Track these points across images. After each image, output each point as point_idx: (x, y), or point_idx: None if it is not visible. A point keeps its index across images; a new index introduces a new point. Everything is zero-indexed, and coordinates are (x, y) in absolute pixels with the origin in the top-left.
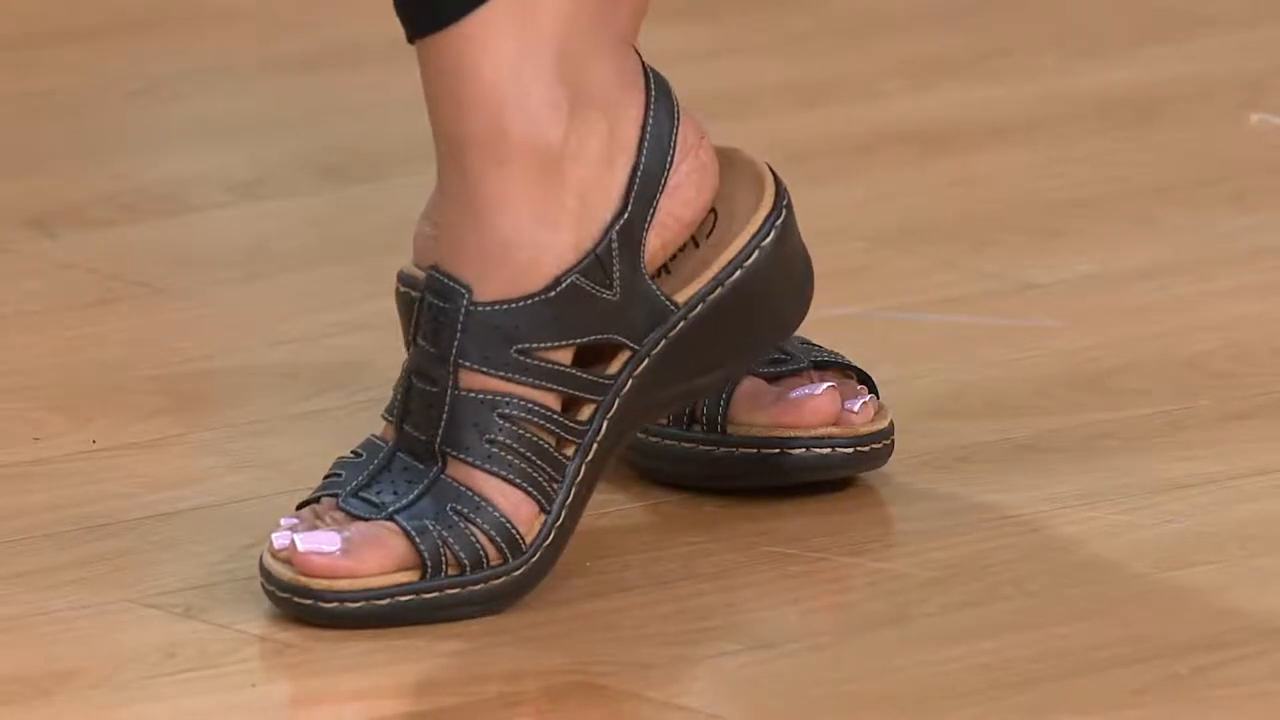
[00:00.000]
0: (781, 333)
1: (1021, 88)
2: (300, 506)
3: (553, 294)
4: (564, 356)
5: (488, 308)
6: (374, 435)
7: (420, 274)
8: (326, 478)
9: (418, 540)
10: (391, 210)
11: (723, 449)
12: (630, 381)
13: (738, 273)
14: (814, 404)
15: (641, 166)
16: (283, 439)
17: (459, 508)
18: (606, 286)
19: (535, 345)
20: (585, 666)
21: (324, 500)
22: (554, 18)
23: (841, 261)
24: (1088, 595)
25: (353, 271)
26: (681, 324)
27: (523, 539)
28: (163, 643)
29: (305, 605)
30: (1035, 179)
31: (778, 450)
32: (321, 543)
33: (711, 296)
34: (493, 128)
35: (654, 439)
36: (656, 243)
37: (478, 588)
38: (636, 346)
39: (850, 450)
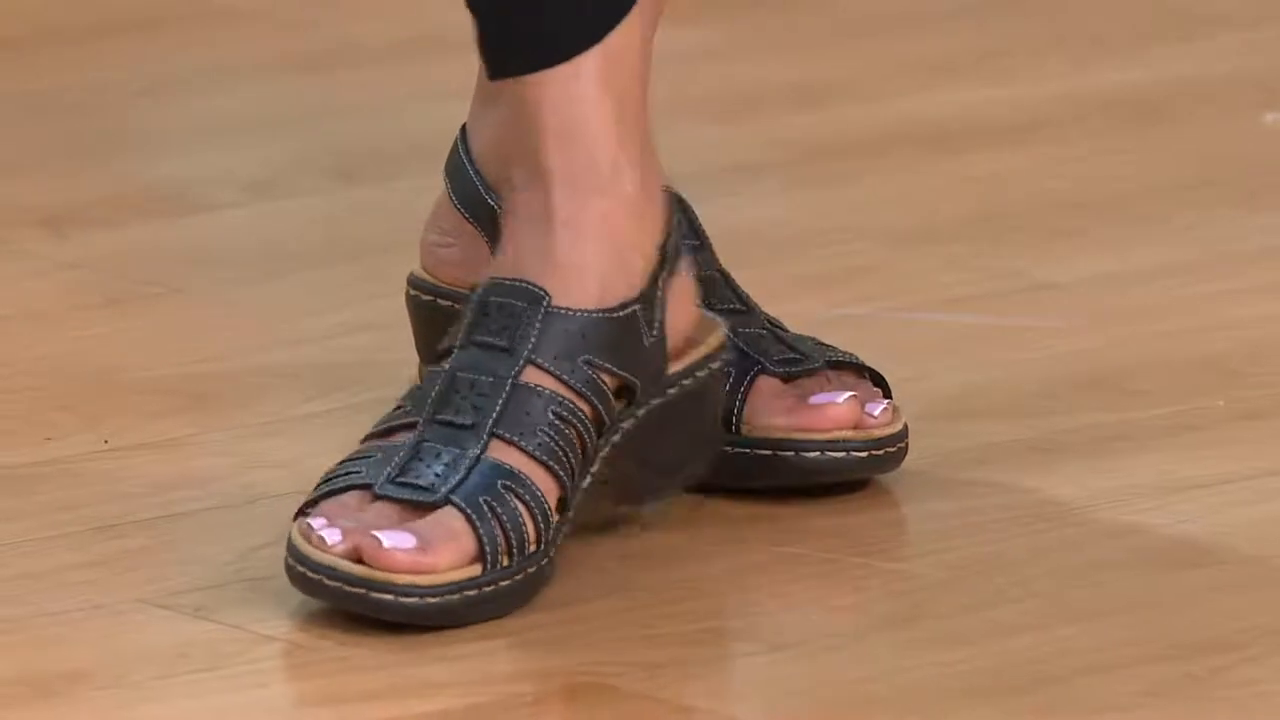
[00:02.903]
0: (678, 476)
1: (1031, 88)
2: (311, 503)
3: (619, 315)
4: (611, 382)
5: (565, 311)
6: (374, 444)
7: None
8: (337, 476)
9: (479, 526)
10: (401, 211)
11: (737, 449)
12: (619, 432)
13: (703, 373)
14: (834, 411)
15: (669, 244)
16: (294, 439)
17: (509, 484)
18: (650, 329)
19: (598, 360)
20: (596, 667)
21: (350, 494)
22: (631, 76)
23: (851, 261)
24: (1099, 596)
25: (362, 271)
26: (662, 398)
27: (547, 505)
28: (174, 643)
29: (383, 600)
30: (1045, 179)
31: (792, 452)
32: (399, 541)
33: (685, 382)
34: (597, 165)
35: None
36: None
37: (519, 577)
38: (636, 401)
39: (865, 454)
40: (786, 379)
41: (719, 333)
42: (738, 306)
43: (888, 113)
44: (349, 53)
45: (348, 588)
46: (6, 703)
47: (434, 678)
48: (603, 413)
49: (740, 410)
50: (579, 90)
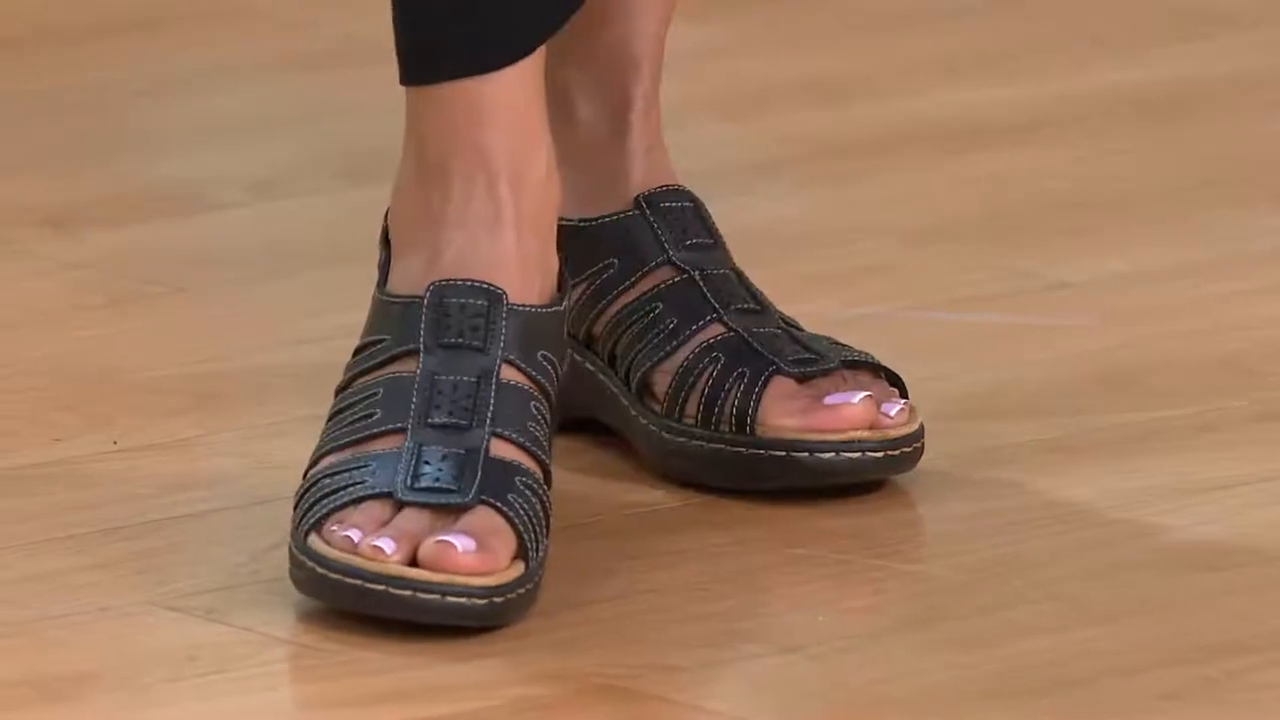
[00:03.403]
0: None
1: (1038, 87)
2: (327, 515)
3: (559, 309)
4: (554, 372)
5: (525, 309)
6: (353, 456)
7: None
8: (343, 487)
9: (517, 523)
10: None
11: (751, 450)
12: None
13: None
14: (849, 412)
15: None
16: (301, 440)
17: (522, 479)
18: (568, 320)
19: (548, 354)
20: (610, 670)
21: (369, 503)
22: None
23: (866, 260)
24: (1118, 598)
25: (365, 272)
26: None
27: (551, 509)
28: (184, 646)
29: (461, 604)
30: (1061, 177)
31: (807, 453)
32: (465, 542)
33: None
34: (538, 162)
35: (680, 438)
36: None
37: (542, 571)
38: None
39: (880, 454)
40: (801, 379)
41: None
42: (752, 306)
43: (898, 111)
44: (351, 52)
45: (421, 595)
46: (13, 705)
47: (446, 681)
48: (554, 402)
49: (755, 411)
50: (524, 89)
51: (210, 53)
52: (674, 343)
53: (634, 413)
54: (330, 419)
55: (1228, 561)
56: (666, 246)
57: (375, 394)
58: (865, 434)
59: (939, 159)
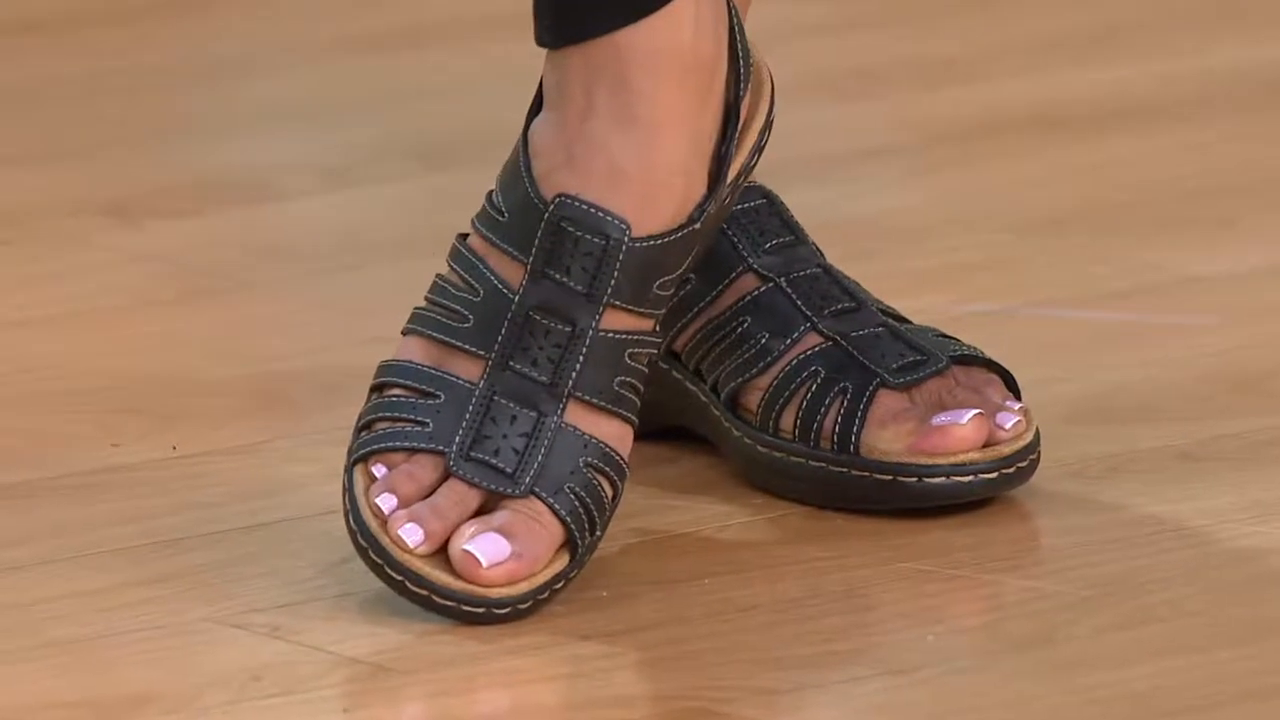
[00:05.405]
0: None
1: (1173, 64)
2: (365, 456)
3: (698, 225)
4: (675, 281)
5: (646, 243)
6: (432, 368)
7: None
8: (395, 419)
9: (568, 520)
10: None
11: (854, 471)
12: None
13: (744, 178)
14: (959, 433)
15: (739, 77)
16: None
17: (590, 459)
18: (720, 195)
19: (668, 277)
20: (704, 692)
21: (419, 457)
22: None
23: (982, 253)
24: (1252, 617)
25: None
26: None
27: (624, 462)
28: (248, 665)
29: (478, 613)
30: (1192, 164)
31: (915, 478)
32: (496, 553)
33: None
34: (684, 41)
35: (779, 454)
36: None
37: (599, 534)
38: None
39: (994, 474)
40: (909, 387)
41: (766, 92)
42: (847, 304)
43: (1014, 94)
44: (429, 32)
45: (438, 599)
46: None
47: (531, 702)
48: (662, 316)
49: (859, 431)
50: (682, 26)
51: (274, 33)
52: (767, 359)
53: (726, 424)
54: (435, 286)
55: None
56: (745, 254)
57: (477, 295)
58: (976, 455)
59: (1058, 145)
